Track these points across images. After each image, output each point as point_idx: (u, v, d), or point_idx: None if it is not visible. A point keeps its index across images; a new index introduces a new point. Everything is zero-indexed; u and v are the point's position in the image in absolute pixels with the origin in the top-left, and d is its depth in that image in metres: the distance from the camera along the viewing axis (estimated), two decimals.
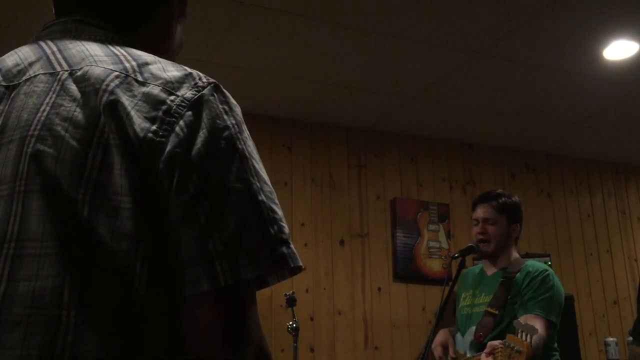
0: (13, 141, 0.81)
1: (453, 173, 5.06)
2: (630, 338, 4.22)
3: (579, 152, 5.44)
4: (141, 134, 0.78)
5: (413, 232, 4.74)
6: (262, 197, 0.80)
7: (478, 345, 2.74)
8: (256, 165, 0.83)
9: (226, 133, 0.81)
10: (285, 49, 3.73)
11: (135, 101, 0.80)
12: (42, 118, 0.81)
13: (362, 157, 4.82)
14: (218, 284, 0.75)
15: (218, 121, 0.81)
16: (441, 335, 2.99)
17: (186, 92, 0.82)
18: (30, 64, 0.89)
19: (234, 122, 0.83)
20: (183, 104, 0.81)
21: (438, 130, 4.95)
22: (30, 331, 0.72)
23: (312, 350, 4.29)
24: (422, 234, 4.76)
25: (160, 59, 0.89)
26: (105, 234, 0.76)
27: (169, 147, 0.78)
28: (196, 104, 0.81)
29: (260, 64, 3.88)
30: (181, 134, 0.79)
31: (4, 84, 0.89)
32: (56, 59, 0.88)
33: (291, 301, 3.69)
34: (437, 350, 2.95)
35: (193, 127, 0.79)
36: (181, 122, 0.79)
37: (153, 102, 0.80)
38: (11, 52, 0.96)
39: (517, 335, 2.43)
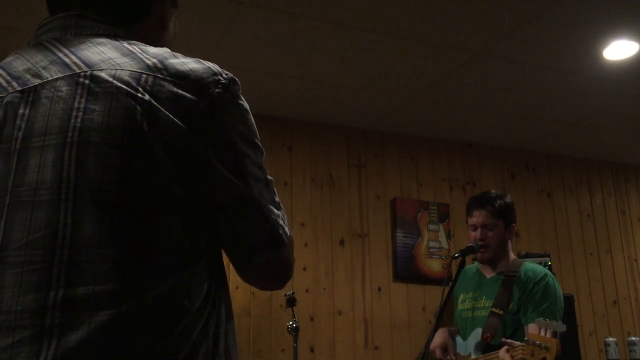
0: (48, 146, 0.83)
1: (453, 173, 5.06)
2: (633, 338, 4.21)
3: (579, 152, 5.44)
4: (180, 139, 0.85)
5: (413, 232, 4.74)
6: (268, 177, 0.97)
7: (485, 346, 2.73)
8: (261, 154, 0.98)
9: (247, 129, 0.94)
10: (285, 49, 3.72)
11: (169, 104, 0.85)
12: (78, 125, 0.83)
13: (362, 157, 4.82)
14: None
15: (242, 119, 0.93)
16: (440, 337, 2.97)
17: (213, 89, 0.90)
18: (44, 67, 0.90)
19: (249, 115, 0.96)
20: (213, 105, 0.89)
21: (438, 130, 4.95)
22: (94, 330, 0.78)
23: (312, 350, 4.29)
24: (422, 234, 4.76)
25: (173, 52, 0.93)
26: (164, 232, 0.83)
27: (205, 151, 0.87)
28: (221, 103, 0.90)
29: (260, 64, 3.88)
30: (216, 137, 0.88)
31: (18, 88, 0.89)
32: (72, 61, 0.89)
33: (291, 301, 3.70)
34: (436, 353, 2.94)
35: (226, 130, 0.90)
36: (216, 128, 0.88)
37: (186, 105, 0.86)
38: (15, 55, 0.96)
39: (540, 333, 2.41)
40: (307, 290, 4.35)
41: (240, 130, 0.92)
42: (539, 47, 3.75)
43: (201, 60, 0.93)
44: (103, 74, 0.86)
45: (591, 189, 5.52)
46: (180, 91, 0.87)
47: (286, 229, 0.98)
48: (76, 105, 0.84)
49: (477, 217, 2.90)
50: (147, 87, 0.85)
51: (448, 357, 2.93)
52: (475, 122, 4.80)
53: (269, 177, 0.97)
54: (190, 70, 0.90)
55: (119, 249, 0.80)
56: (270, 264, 0.97)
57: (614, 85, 4.21)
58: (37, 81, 0.89)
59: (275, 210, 0.96)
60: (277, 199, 0.98)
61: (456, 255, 2.82)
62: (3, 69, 0.94)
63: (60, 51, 0.92)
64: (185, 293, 0.84)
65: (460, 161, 5.11)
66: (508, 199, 2.98)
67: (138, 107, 0.83)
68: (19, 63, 0.93)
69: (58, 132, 0.83)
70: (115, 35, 0.95)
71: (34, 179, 0.82)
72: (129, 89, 0.85)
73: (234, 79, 0.95)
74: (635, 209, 5.65)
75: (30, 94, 0.88)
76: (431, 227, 4.81)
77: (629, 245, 5.51)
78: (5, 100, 0.89)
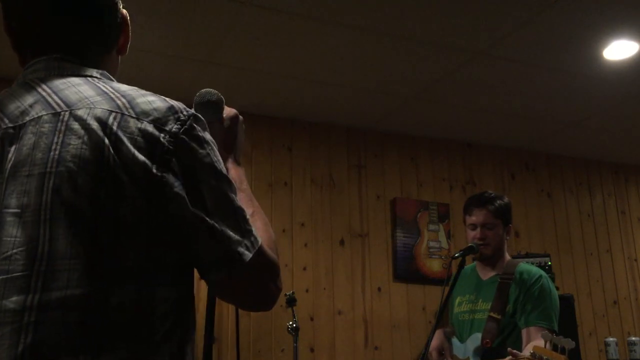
0: (32, 176, 0.97)
1: (453, 173, 5.06)
2: (633, 338, 4.20)
3: (579, 152, 5.45)
4: (144, 171, 0.97)
5: (413, 232, 4.74)
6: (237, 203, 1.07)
7: (484, 351, 2.73)
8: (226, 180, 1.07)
9: (207, 160, 1.04)
10: (285, 49, 3.72)
11: (134, 137, 0.98)
12: (56, 156, 0.97)
13: (362, 157, 4.82)
14: None
15: (201, 151, 1.03)
16: (436, 339, 2.95)
17: (172, 126, 1.02)
18: (31, 106, 1.04)
19: (210, 147, 1.05)
20: (172, 139, 1.01)
21: (438, 130, 4.95)
22: (64, 327, 0.92)
23: (312, 350, 4.29)
24: (422, 234, 4.76)
25: (141, 90, 1.07)
26: (122, 250, 0.96)
27: (165, 179, 0.98)
28: (181, 138, 1.02)
29: (260, 64, 3.88)
30: (176, 168, 1.00)
31: (10, 125, 1.03)
32: (54, 100, 1.04)
33: (291, 301, 3.70)
34: (432, 355, 2.93)
35: (184, 160, 1.01)
36: (174, 159, 1.00)
37: (149, 139, 0.99)
38: (6, 93, 1.10)
39: (546, 347, 2.35)
40: (307, 290, 4.35)
41: (200, 160, 1.03)
42: (539, 47, 3.75)
43: (166, 99, 1.06)
44: (80, 112, 1.00)
45: (591, 189, 5.52)
46: (143, 127, 1.00)
47: (250, 249, 1.04)
48: (55, 139, 0.98)
49: (477, 216, 2.89)
50: (115, 124, 0.99)
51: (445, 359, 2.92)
52: (475, 122, 4.80)
53: (234, 204, 1.05)
54: (154, 108, 1.03)
55: (88, 260, 0.94)
56: (232, 283, 1.05)
57: (614, 85, 4.21)
58: (25, 118, 1.03)
59: (233, 233, 1.03)
60: (244, 225, 1.06)
61: (456, 255, 2.81)
62: None
63: (44, 91, 1.06)
64: (149, 299, 0.98)
65: (460, 161, 5.11)
66: (506, 199, 2.99)
67: (106, 141, 0.97)
68: (10, 101, 1.07)
69: (40, 163, 0.97)
70: (90, 76, 1.10)
71: (21, 203, 0.96)
72: (99, 125, 0.98)
73: (195, 115, 1.06)
74: (635, 209, 5.65)
75: (21, 130, 1.02)
76: (431, 227, 4.81)
77: (629, 245, 5.51)
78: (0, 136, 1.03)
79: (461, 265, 2.82)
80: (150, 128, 1.00)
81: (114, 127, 0.98)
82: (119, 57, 1.24)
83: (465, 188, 5.03)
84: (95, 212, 0.95)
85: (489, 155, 5.21)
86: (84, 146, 0.97)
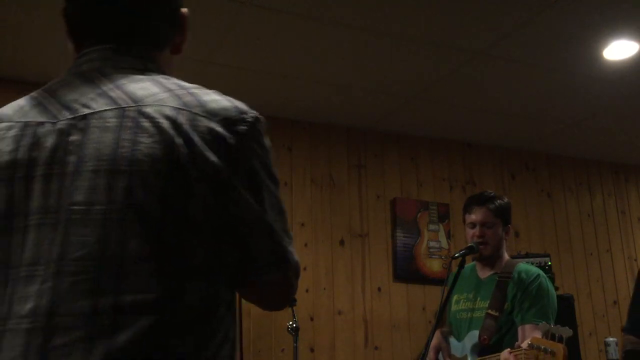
0: (99, 172, 0.95)
1: (453, 173, 5.06)
2: (610, 339, 4.17)
3: (579, 152, 5.44)
4: (213, 169, 0.97)
5: (413, 232, 4.74)
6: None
7: (482, 348, 2.73)
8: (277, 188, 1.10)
9: (267, 161, 1.06)
10: (285, 49, 3.73)
11: (204, 137, 0.98)
12: (126, 154, 0.95)
13: (362, 157, 4.82)
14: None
15: (262, 152, 1.05)
16: (435, 339, 2.96)
17: (239, 127, 1.02)
18: (92, 99, 1.02)
19: (268, 149, 1.08)
20: (239, 140, 1.01)
21: (438, 130, 4.95)
22: (138, 330, 0.90)
23: (312, 350, 4.29)
24: (422, 234, 4.76)
25: (203, 88, 1.06)
26: (191, 249, 0.96)
27: (231, 179, 0.99)
28: (248, 139, 1.02)
29: (260, 64, 3.88)
30: (241, 169, 1.00)
31: (69, 116, 1.00)
32: (117, 95, 1.01)
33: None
34: (429, 355, 2.93)
35: (248, 161, 1.02)
36: (240, 160, 1.01)
37: (218, 139, 0.99)
38: (59, 83, 1.07)
39: (545, 338, 2.36)
40: (307, 290, 4.35)
41: (261, 162, 1.04)
42: (539, 47, 3.75)
43: (229, 98, 1.06)
44: (148, 110, 0.98)
45: (591, 189, 5.52)
46: (213, 126, 0.99)
47: (295, 256, 1.09)
48: (123, 136, 0.96)
49: (477, 215, 2.90)
50: (186, 123, 0.98)
51: (443, 358, 2.92)
52: (475, 122, 4.80)
53: (284, 208, 1.09)
54: (222, 108, 1.02)
55: (159, 261, 0.93)
56: (274, 286, 1.09)
57: (614, 85, 4.21)
58: (86, 111, 1.00)
59: (285, 235, 1.07)
60: (288, 229, 1.09)
61: (456, 255, 2.81)
62: (51, 95, 1.05)
63: (105, 85, 1.03)
64: (215, 298, 0.98)
65: (460, 161, 5.11)
66: (506, 199, 3.00)
67: (177, 140, 0.96)
68: (66, 92, 1.04)
69: (108, 159, 0.95)
70: (147, 69, 1.08)
71: (88, 199, 0.94)
72: (170, 124, 0.97)
73: (258, 117, 1.07)
74: (635, 209, 5.65)
75: (81, 123, 0.99)
76: (431, 227, 4.81)
77: (629, 245, 5.51)
78: (57, 127, 1.00)
79: (461, 265, 2.82)
80: (219, 128, 1.00)
81: (185, 126, 0.97)
82: (173, 56, 1.21)
83: (465, 188, 5.03)
84: (165, 211, 0.94)
85: (489, 155, 5.21)
86: (155, 145, 0.95)
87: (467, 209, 2.97)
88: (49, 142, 0.98)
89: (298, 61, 3.86)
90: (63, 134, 0.99)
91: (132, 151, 0.95)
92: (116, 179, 0.94)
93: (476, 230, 2.88)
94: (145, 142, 0.95)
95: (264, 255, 1.04)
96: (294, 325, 3.63)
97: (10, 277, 0.93)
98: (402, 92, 4.30)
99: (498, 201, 2.92)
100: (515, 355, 2.44)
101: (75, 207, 0.94)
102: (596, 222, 5.45)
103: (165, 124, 0.97)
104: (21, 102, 1.07)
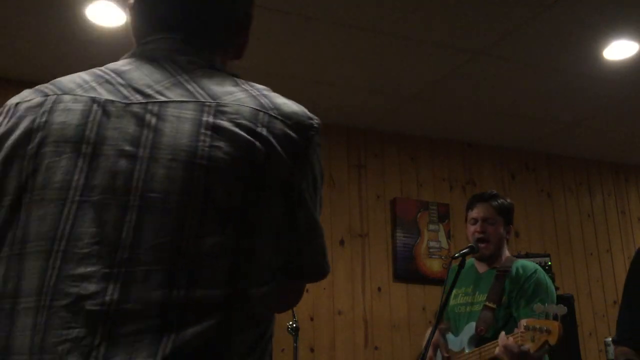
0: (177, 161, 0.93)
1: (453, 173, 5.06)
2: (609, 338, 4.14)
3: (579, 152, 5.44)
4: (287, 173, 0.98)
5: (413, 232, 4.74)
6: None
7: (479, 340, 2.74)
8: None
9: (320, 168, 1.07)
10: (286, 49, 3.73)
11: (280, 140, 0.98)
12: (205, 150, 0.93)
13: (362, 157, 4.82)
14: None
15: (319, 159, 1.06)
16: (435, 336, 2.97)
17: (309, 133, 1.03)
18: (167, 88, 1.00)
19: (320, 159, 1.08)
20: (308, 145, 1.02)
21: (438, 130, 4.95)
22: (206, 325, 0.89)
23: (312, 350, 4.29)
24: (422, 234, 4.76)
25: (272, 91, 1.06)
26: (261, 249, 0.96)
27: (300, 183, 1.00)
28: (314, 145, 1.04)
29: (259, 64, 3.88)
30: (306, 173, 1.01)
31: (142, 100, 0.98)
32: (194, 88, 1.00)
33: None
34: (429, 352, 2.94)
35: (311, 167, 1.03)
36: (306, 165, 1.01)
37: (292, 143, 0.99)
38: (128, 64, 1.05)
39: (540, 319, 2.41)
40: (307, 290, 4.33)
41: (319, 168, 1.06)
42: (539, 47, 3.75)
43: (296, 103, 1.06)
44: (227, 108, 0.97)
45: (591, 189, 5.52)
46: (287, 130, 0.99)
47: (329, 266, 1.11)
48: (202, 131, 0.94)
49: (479, 210, 2.90)
50: (265, 125, 0.97)
51: (441, 354, 2.92)
52: (475, 122, 4.80)
53: None
54: (293, 112, 1.02)
55: (231, 262, 0.92)
56: (298, 291, 1.12)
57: (614, 85, 4.21)
58: (161, 98, 0.98)
59: (326, 248, 1.10)
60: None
61: (456, 255, 2.81)
62: (119, 76, 1.02)
63: (179, 74, 1.02)
64: (270, 301, 0.99)
65: (460, 161, 5.11)
66: (509, 200, 3.01)
67: (257, 143, 0.95)
68: (137, 76, 1.02)
69: (186, 150, 0.93)
70: (216, 66, 1.07)
71: (165, 188, 0.92)
72: (250, 125, 0.96)
73: (320, 123, 1.07)
74: (635, 209, 5.65)
75: (156, 109, 0.97)
76: (431, 227, 4.81)
77: (629, 245, 5.50)
78: (130, 109, 0.97)
79: (461, 265, 2.82)
80: (292, 132, 1.00)
81: (264, 128, 0.97)
82: (238, 58, 1.20)
83: (465, 188, 5.03)
84: (242, 211, 0.94)
85: (489, 155, 5.21)
86: (235, 145, 0.94)
87: (469, 206, 2.99)
88: (122, 122, 0.96)
89: (298, 61, 3.86)
90: (136, 116, 0.96)
91: (211, 147, 0.94)
92: (195, 173, 0.92)
93: (477, 227, 2.88)
94: (225, 142, 0.94)
95: (311, 262, 1.06)
96: (294, 325, 3.63)
97: (53, 247, 0.90)
98: (402, 92, 4.30)
99: (501, 200, 2.94)
100: (513, 338, 2.46)
101: (152, 195, 0.91)
102: (596, 222, 5.45)
103: (244, 124, 0.96)
104: (84, 75, 1.04)
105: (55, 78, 1.07)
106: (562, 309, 2.35)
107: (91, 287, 0.88)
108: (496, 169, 5.21)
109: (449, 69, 3.98)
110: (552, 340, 2.35)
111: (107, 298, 0.87)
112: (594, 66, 3.96)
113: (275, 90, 1.09)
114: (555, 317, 2.36)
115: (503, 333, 2.52)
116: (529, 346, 2.40)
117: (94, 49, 3.60)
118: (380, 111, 4.59)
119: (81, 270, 0.89)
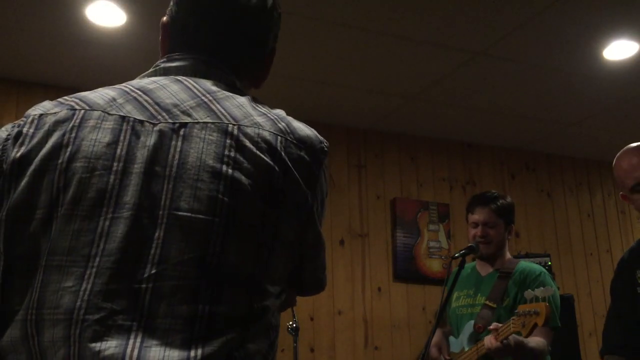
0: (203, 181, 0.97)
1: (453, 173, 5.06)
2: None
3: (579, 152, 5.45)
4: (302, 196, 1.03)
5: (413, 232, 4.74)
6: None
7: (477, 337, 2.74)
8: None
9: (326, 189, 1.12)
10: (286, 49, 3.72)
11: (297, 164, 1.03)
12: (229, 173, 0.98)
13: (362, 157, 4.82)
14: None
15: (326, 182, 1.11)
16: (436, 337, 2.98)
17: (320, 156, 1.08)
18: (192, 108, 1.03)
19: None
20: (319, 169, 1.07)
21: (438, 130, 4.95)
22: (228, 340, 0.94)
23: (312, 350, 4.29)
24: (422, 234, 4.76)
25: (286, 115, 1.11)
26: (279, 265, 1.02)
27: (313, 205, 1.06)
28: (324, 168, 1.09)
29: None
30: (316, 195, 1.07)
31: (170, 120, 1.01)
32: (217, 109, 1.04)
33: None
34: (431, 351, 2.94)
35: (321, 188, 1.09)
36: (318, 187, 1.07)
37: (307, 167, 1.05)
38: (153, 83, 1.08)
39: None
40: None
41: (327, 186, 1.12)
42: (539, 47, 3.75)
43: (307, 126, 1.11)
44: (249, 131, 1.01)
45: (591, 189, 5.52)
46: (302, 154, 1.05)
47: (326, 280, 1.21)
48: (226, 153, 0.99)
49: (480, 215, 2.91)
50: (282, 149, 1.02)
51: (442, 357, 2.93)
52: (475, 122, 4.80)
53: None
54: (307, 136, 1.08)
55: (252, 277, 0.98)
56: (294, 300, 1.19)
57: (614, 85, 4.21)
58: (187, 119, 1.01)
59: (325, 264, 1.18)
60: None
61: (456, 255, 2.82)
62: (146, 94, 1.05)
63: (204, 96, 1.05)
64: (276, 315, 1.05)
65: (460, 161, 5.11)
66: (509, 199, 3.01)
67: (276, 166, 1.00)
68: (164, 95, 1.05)
69: (211, 171, 0.97)
70: (235, 86, 1.11)
71: (191, 207, 0.95)
72: (269, 149, 1.01)
73: (328, 145, 1.13)
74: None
75: (182, 129, 1.00)
76: (431, 227, 4.81)
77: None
78: (158, 128, 1.01)
79: (461, 265, 2.82)
80: (306, 156, 1.06)
81: (282, 152, 1.02)
82: (260, 82, 1.26)
83: (465, 188, 5.03)
84: (264, 232, 0.99)
85: (489, 155, 5.21)
86: (257, 167, 0.99)
87: (470, 209, 2.99)
88: (149, 141, 0.99)
89: (298, 61, 3.86)
90: (164, 136, 1.00)
91: (235, 169, 0.98)
92: (220, 193, 0.96)
93: (478, 230, 2.89)
94: (248, 164, 0.99)
95: (312, 278, 1.15)
96: (294, 325, 3.62)
97: (89, 262, 0.93)
98: (402, 92, 4.30)
99: (501, 201, 2.93)
100: (506, 326, 2.50)
101: (179, 213, 0.95)
102: (596, 222, 5.45)
103: (264, 148, 1.01)
104: (110, 92, 1.07)
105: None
106: (545, 292, 2.50)
107: (122, 302, 0.91)
108: (496, 169, 5.22)
109: (449, 69, 3.98)
110: (540, 321, 2.43)
111: (138, 313, 0.91)
112: (594, 66, 3.96)
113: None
114: (544, 300, 2.45)
115: (490, 336, 2.54)
116: (520, 338, 2.48)
117: (94, 49, 3.60)
118: (380, 111, 4.59)
119: (113, 286, 0.92)
